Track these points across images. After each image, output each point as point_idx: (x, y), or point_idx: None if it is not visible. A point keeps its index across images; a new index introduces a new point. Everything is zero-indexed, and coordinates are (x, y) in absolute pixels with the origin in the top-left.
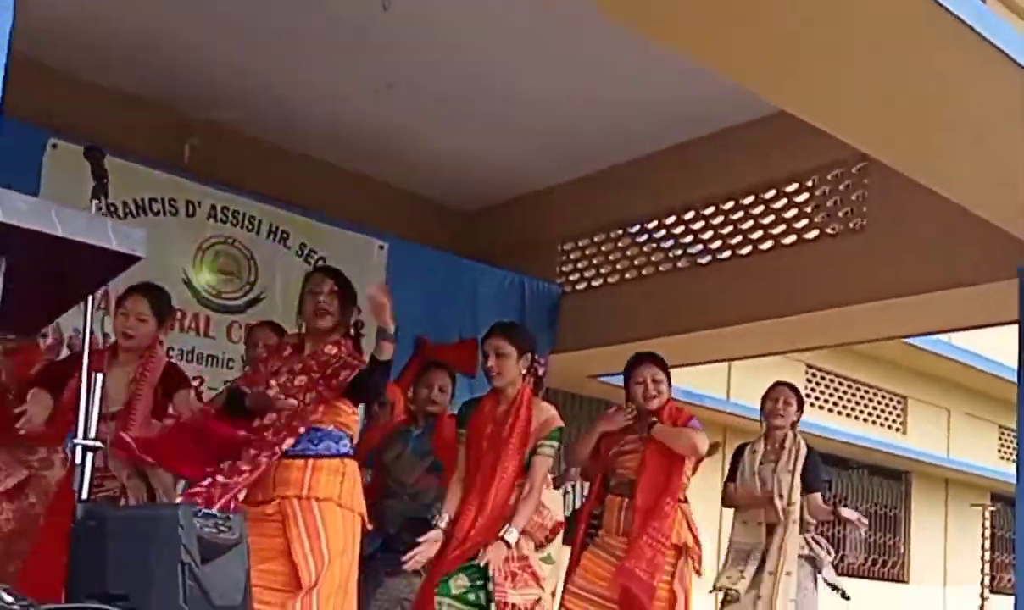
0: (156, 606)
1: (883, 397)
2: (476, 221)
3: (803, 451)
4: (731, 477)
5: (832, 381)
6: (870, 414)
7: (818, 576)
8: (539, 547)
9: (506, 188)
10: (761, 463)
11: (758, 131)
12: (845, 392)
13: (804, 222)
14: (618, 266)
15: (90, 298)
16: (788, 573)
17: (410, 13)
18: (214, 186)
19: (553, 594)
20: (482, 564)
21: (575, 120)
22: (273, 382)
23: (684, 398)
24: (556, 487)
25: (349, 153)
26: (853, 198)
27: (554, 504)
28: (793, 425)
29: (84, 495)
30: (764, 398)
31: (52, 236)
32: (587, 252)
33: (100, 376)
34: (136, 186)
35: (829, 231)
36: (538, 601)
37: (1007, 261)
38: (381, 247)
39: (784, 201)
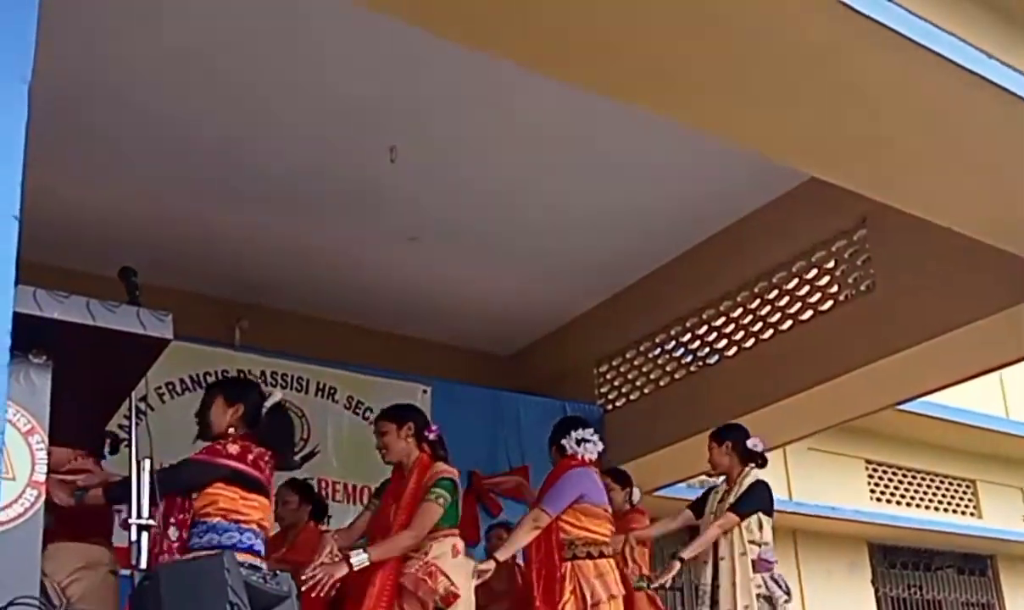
0: None
1: (951, 483)
2: (514, 363)
3: (749, 482)
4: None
5: (896, 473)
6: (940, 501)
7: None
8: None
9: (539, 326)
10: (720, 501)
11: (758, 222)
12: (911, 483)
13: (817, 296)
14: (651, 376)
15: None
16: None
17: (416, 161)
18: (262, 354)
19: None
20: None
21: (594, 242)
22: None
23: None
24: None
25: (384, 314)
26: (859, 262)
27: (457, 572)
28: (745, 465)
29: (143, 565)
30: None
31: (89, 328)
32: (621, 369)
33: (148, 461)
34: (190, 363)
35: (843, 298)
36: None
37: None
38: (425, 391)
39: (796, 280)
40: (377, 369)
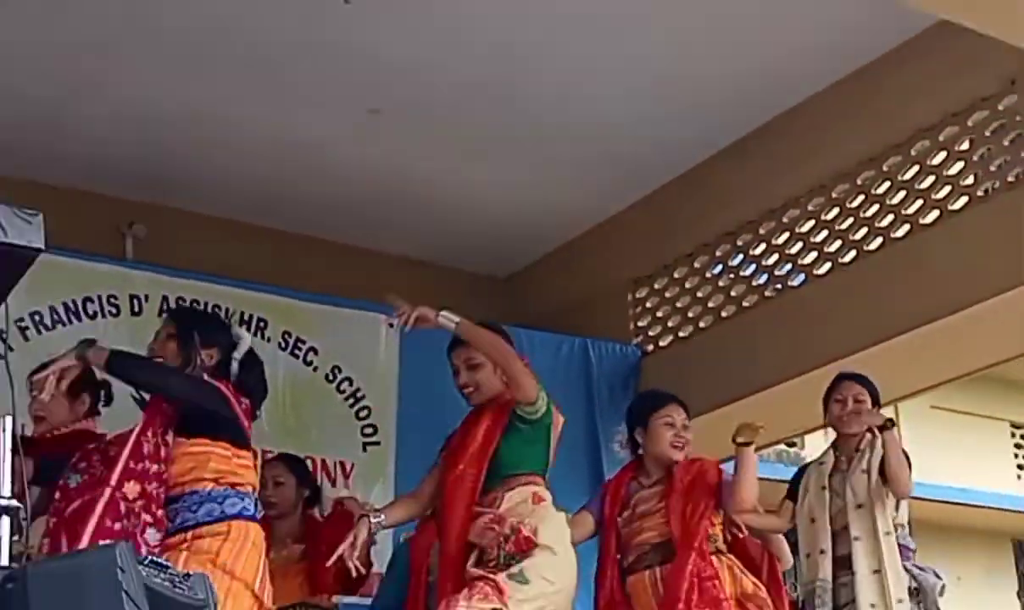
0: None
1: None
2: (516, 286)
3: (879, 448)
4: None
5: None
6: None
7: None
8: (501, 564)
9: (550, 235)
10: (831, 475)
11: (860, 86)
12: None
13: (946, 190)
14: (709, 303)
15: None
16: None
17: (381, 8)
18: (163, 272)
19: None
20: None
21: (633, 117)
22: None
23: None
24: None
25: (333, 217)
26: (1005, 142)
27: (541, 519)
28: (872, 429)
29: (2, 561)
30: (828, 399)
31: None
32: (667, 294)
33: (8, 419)
34: (65, 285)
35: (981, 193)
36: None
37: None
38: (391, 324)
39: (915, 168)
40: (324, 295)
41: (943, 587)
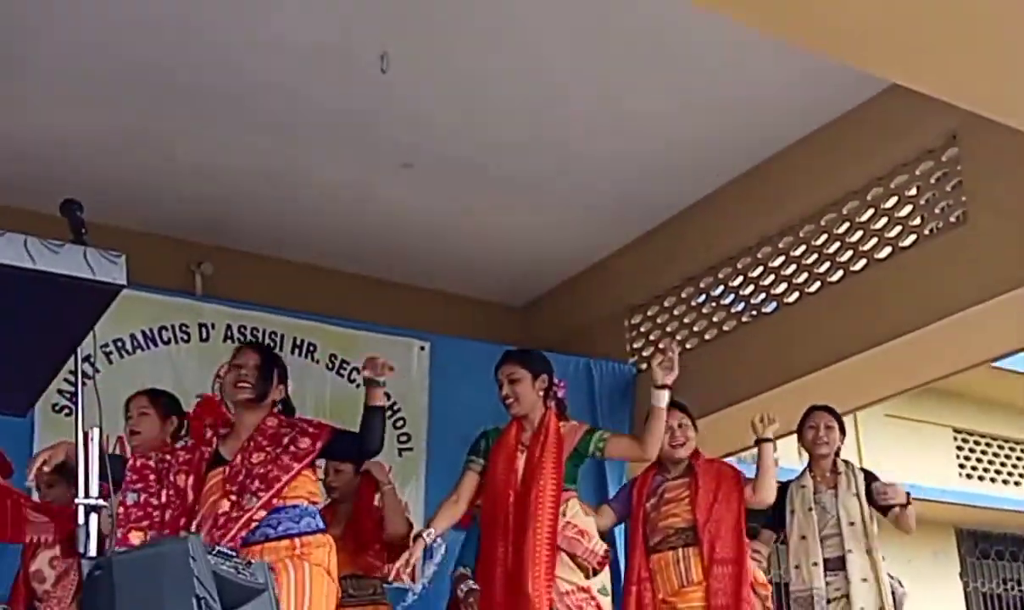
0: None
1: None
2: (529, 315)
3: (860, 473)
4: (780, 523)
5: (991, 445)
6: None
7: None
8: (589, 576)
9: (558, 269)
10: (816, 493)
11: (822, 142)
12: (1009, 457)
13: (897, 229)
14: (695, 328)
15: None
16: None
17: (412, 70)
18: (228, 304)
19: None
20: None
21: (627, 167)
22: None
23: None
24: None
25: (372, 256)
26: (947, 188)
27: (591, 525)
28: (838, 451)
29: (91, 552)
30: (802, 427)
31: (26, 271)
32: (659, 320)
33: (96, 431)
34: (143, 316)
35: (928, 232)
36: None
37: None
38: (422, 348)
39: (870, 211)
40: (365, 322)
41: (904, 594)
